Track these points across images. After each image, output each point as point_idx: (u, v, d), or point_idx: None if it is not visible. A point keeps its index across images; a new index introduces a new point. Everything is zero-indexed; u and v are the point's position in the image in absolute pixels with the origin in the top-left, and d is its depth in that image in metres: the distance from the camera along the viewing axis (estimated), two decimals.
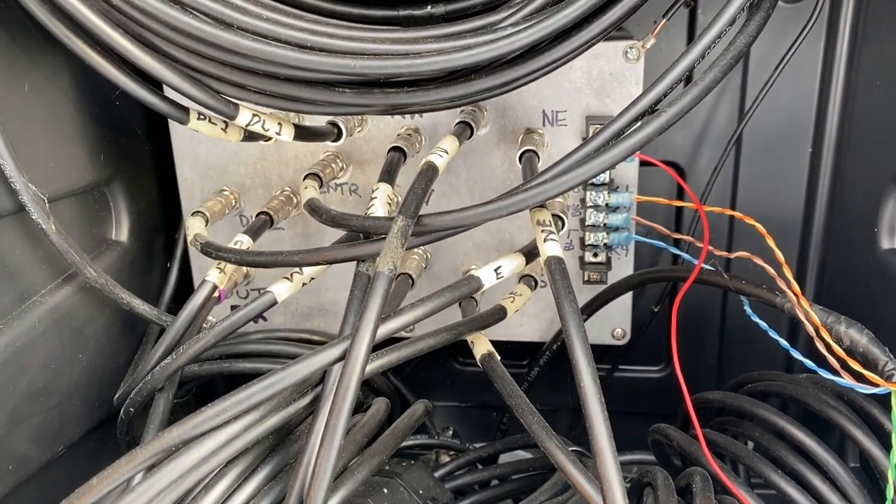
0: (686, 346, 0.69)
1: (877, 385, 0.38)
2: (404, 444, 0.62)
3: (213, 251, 0.48)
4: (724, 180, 0.62)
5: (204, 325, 0.57)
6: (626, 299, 0.58)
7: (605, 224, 0.53)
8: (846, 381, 0.39)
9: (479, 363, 0.45)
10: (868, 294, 0.55)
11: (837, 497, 0.44)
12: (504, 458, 0.64)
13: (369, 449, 0.43)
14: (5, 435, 0.47)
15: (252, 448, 0.39)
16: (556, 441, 0.38)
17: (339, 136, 0.51)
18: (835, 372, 0.40)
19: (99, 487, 0.36)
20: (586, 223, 0.54)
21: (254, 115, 0.44)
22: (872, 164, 0.56)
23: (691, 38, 0.60)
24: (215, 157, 0.57)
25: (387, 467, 0.53)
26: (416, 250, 0.56)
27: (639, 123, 0.41)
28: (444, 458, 0.68)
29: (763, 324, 0.44)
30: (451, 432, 0.70)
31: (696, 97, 0.40)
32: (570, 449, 0.51)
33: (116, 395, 0.53)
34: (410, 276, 0.53)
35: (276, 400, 0.38)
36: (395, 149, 0.51)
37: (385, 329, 0.39)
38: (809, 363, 0.41)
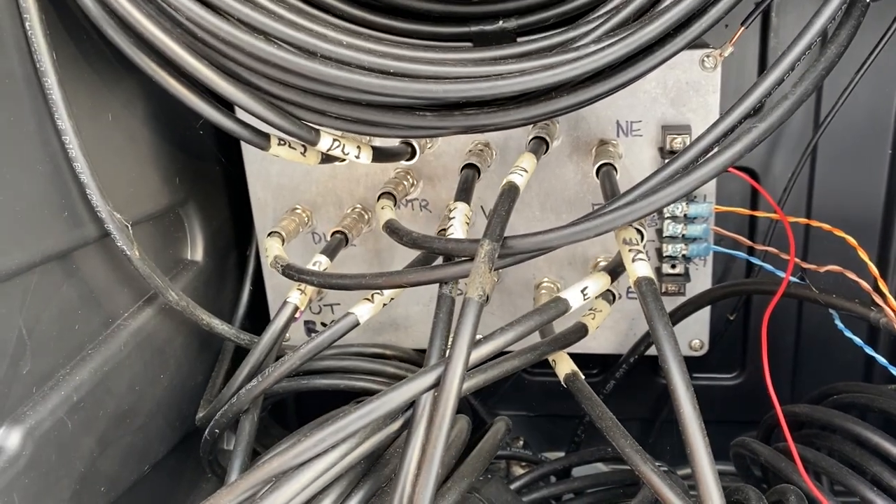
0: (760, 355, 0.68)
1: None
2: None
3: (295, 274, 0.48)
4: (800, 185, 0.60)
5: (284, 341, 0.57)
6: (705, 311, 0.57)
7: (683, 235, 0.53)
8: None
9: (563, 383, 0.45)
10: None
11: None
12: (577, 470, 0.64)
13: (458, 472, 0.43)
14: (97, 458, 0.48)
15: (346, 474, 0.39)
16: (651, 465, 0.38)
17: (412, 155, 0.51)
18: None
19: None
20: (664, 234, 0.53)
21: (334, 140, 0.45)
22: None
23: (764, 41, 0.58)
24: (287, 176, 0.57)
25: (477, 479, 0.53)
26: None
27: (726, 141, 0.40)
28: (517, 470, 0.68)
29: (858, 340, 0.43)
30: (521, 442, 0.70)
31: (788, 111, 0.40)
32: (658, 465, 0.51)
33: (200, 415, 0.53)
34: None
35: (369, 427, 0.38)
36: (468, 166, 0.50)
37: (476, 356, 0.39)
38: None
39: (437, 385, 0.37)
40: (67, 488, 0.46)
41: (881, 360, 0.41)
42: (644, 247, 0.55)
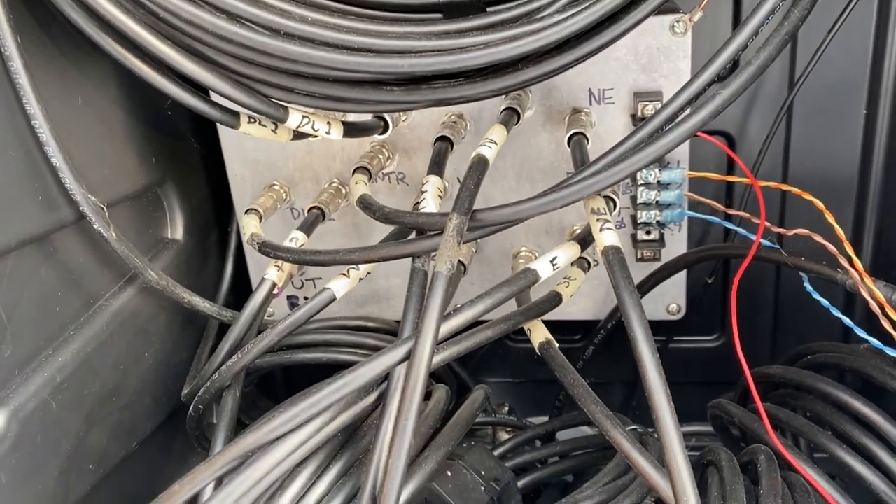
0: (740, 317, 0.68)
1: None
2: None
3: (270, 251, 0.48)
4: (777, 148, 0.60)
5: (266, 316, 0.58)
6: (681, 275, 0.58)
7: (657, 201, 0.53)
8: None
9: (537, 351, 0.46)
10: None
11: None
12: (562, 434, 0.65)
13: (435, 441, 0.44)
14: (83, 437, 0.49)
15: (323, 447, 0.40)
16: (620, 430, 0.39)
17: (385, 128, 0.51)
18: None
19: (181, 493, 0.37)
20: (638, 201, 0.53)
21: (303, 117, 0.45)
22: None
23: (737, 5, 0.58)
24: (263, 152, 0.57)
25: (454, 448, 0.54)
26: None
27: (688, 110, 0.40)
28: (502, 435, 0.69)
29: (825, 301, 0.43)
30: (506, 409, 0.71)
31: (752, 76, 0.40)
32: (630, 428, 0.52)
33: (184, 392, 0.54)
34: (462, 263, 0.53)
35: (343, 401, 0.39)
36: (441, 138, 0.51)
37: (446, 328, 0.39)
38: (876, 342, 0.40)
39: (409, 358, 0.37)
40: (55, 467, 0.47)
41: (846, 320, 0.42)
42: (619, 213, 0.56)
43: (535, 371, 0.72)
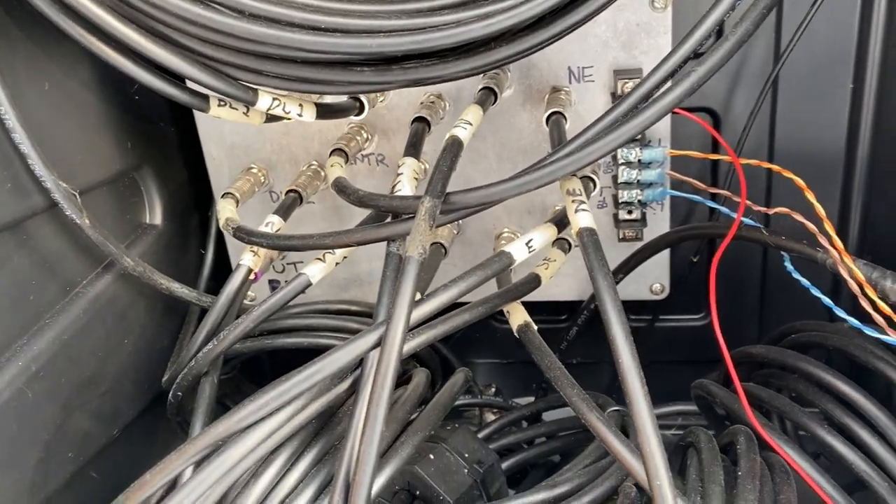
0: (727, 297, 0.68)
1: None
2: None
3: (245, 236, 0.48)
4: (761, 125, 0.59)
5: (247, 301, 0.57)
6: (664, 255, 0.57)
7: (638, 181, 0.52)
8: (893, 338, 0.38)
9: (516, 334, 0.45)
10: None
11: (886, 449, 0.43)
12: (549, 415, 0.64)
13: (412, 426, 0.44)
14: (61, 424, 0.49)
15: (296, 434, 0.40)
16: (596, 413, 0.38)
17: (361, 110, 0.50)
18: (881, 330, 0.39)
19: (152, 482, 0.37)
20: (619, 181, 0.53)
21: (274, 99, 0.44)
22: None
23: None
24: (240, 135, 0.57)
25: (432, 432, 0.53)
26: None
27: (669, 83, 0.40)
28: (489, 417, 0.69)
29: (805, 281, 0.43)
30: (493, 389, 0.71)
31: (729, 51, 0.39)
32: (614, 409, 0.52)
33: (164, 379, 0.54)
34: (443, 245, 0.52)
35: (317, 388, 0.38)
36: (418, 119, 0.50)
37: (418, 313, 0.39)
38: (854, 322, 0.40)
39: (379, 344, 0.37)
40: (32, 457, 0.47)
41: (825, 300, 0.42)
42: (601, 193, 0.56)
43: (523, 352, 0.72)
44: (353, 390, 0.41)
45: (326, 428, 0.41)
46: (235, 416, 0.36)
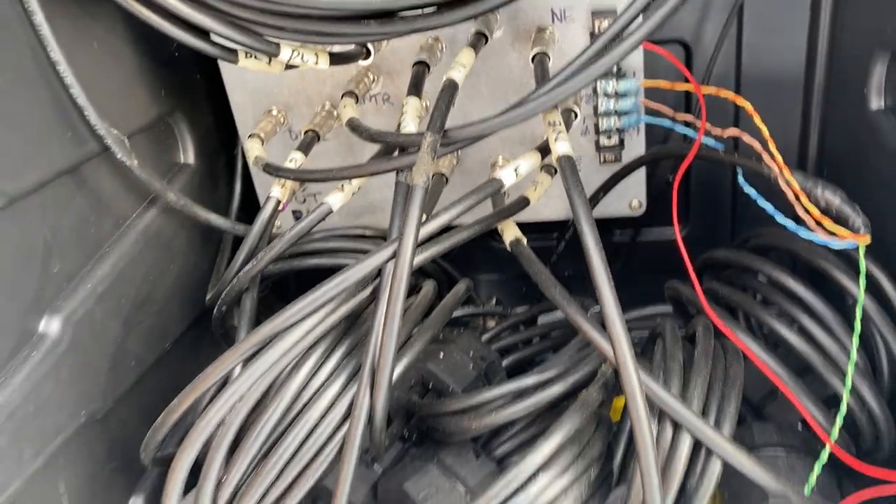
0: (703, 208, 0.76)
1: (846, 238, 0.45)
2: (456, 314, 0.71)
3: (273, 171, 0.55)
4: (728, 54, 0.66)
5: (275, 229, 0.65)
6: (641, 175, 0.64)
7: (616, 110, 0.59)
8: (822, 237, 0.46)
9: (508, 248, 0.53)
10: (860, 153, 0.60)
11: (820, 329, 0.51)
12: (543, 318, 0.73)
13: (423, 325, 0.52)
14: (124, 339, 0.57)
15: (329, 333, 0.48)
16: (575, 307, 0.46)
17: (368, 55, 0.57)
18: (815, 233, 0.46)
19: (213, 374, 0.45)
20: (599, 111, 0.59)
21: (293, 51, 0.51)
22: (861, 28, 0.59)
23: None
24: (261, 81, 0.63)
25: (441, 336, 0.62)
26: None
27: (639, 20, 0.46)
28: (491, 324, 0.77)
29: (753, 191, 0.50)
30: (494, 301, 0.79)
31: None
32: (595, 311, 0.60)
33: (208, 297, 0.62)
34: (444, 174, 0.60)
35: (344, 294, 0.46)
36: (418, 63, 0.56)
37: (425, 231, 0.46)
38: (790, 223, 0.47)
39: (394, 257, 0.45)
40: (103, 366, 0.55)
41: (768, 207, 0.48)
42: (584, 122, 0.63)
43: (520, 267, 0.80)
44: (374, 297, 0.49)
45: (353, 327, 0.49)
46: (278, 319, 0.44)
